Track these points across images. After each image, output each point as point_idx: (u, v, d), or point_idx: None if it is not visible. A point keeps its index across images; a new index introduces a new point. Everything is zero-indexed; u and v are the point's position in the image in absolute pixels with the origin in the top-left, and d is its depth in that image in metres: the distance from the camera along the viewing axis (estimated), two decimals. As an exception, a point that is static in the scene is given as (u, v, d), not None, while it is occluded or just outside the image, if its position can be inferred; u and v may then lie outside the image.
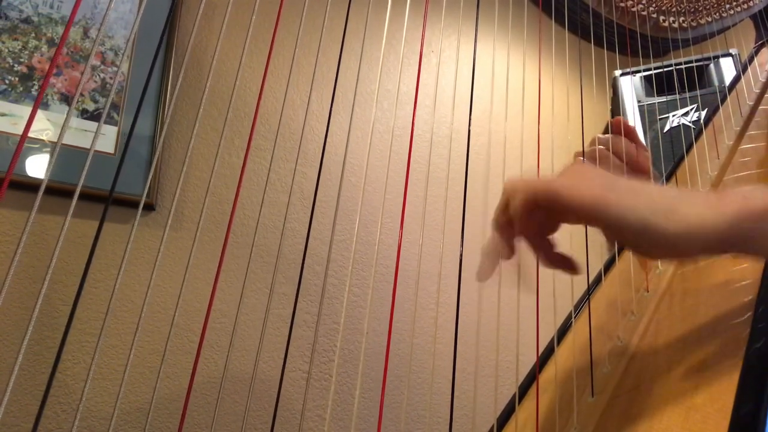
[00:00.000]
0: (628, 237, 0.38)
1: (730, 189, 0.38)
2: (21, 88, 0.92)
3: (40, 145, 0.92)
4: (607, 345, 0.54)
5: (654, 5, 1.19)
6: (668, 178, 0.74)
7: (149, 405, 0.91)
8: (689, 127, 1.42)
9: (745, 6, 1.10)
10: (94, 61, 1.00)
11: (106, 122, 0.98)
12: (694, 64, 1.39)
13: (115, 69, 1.01)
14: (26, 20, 0.96)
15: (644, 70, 1.51)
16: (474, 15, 1.36)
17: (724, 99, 0.97)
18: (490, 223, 0.45)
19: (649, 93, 1.51)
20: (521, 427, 0.50)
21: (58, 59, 0.96)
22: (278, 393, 0.95)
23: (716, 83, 1.43)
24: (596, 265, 0.67)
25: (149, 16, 1.05)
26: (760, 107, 0.90)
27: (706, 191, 0.39)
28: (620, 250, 0.66)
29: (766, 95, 0.94)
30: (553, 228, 0.46)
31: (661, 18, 1.20)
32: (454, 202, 1.10)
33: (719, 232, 0.36)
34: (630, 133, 0.66)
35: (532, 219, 0.42)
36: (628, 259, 0.65)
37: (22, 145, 0.29)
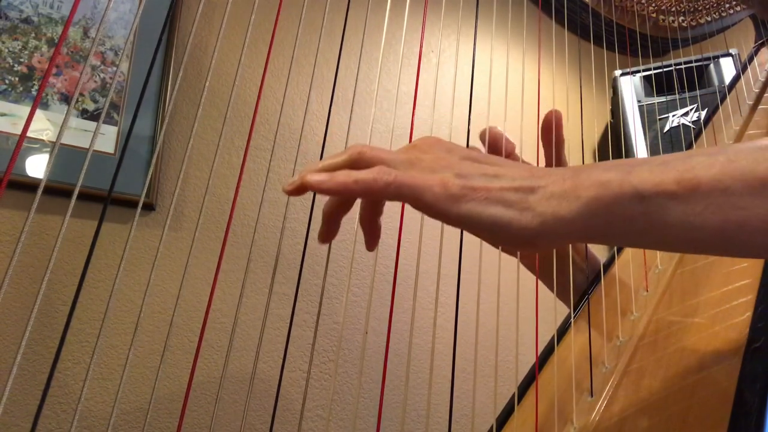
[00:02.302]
0: (479, 233, 0.36)
1: (587, 170, 0.35)
2: (21, 88, 0.92)
3: (40, 145, 0.92)
4: (606, 344, 0.54)
5: (653, 4, 1.19)
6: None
7: (148, 405, 0.91)
8: (689, 127, 1.42)
9: (745, 6, 1.11)
10: (94, 61, 1.00)
11: (106, 122, 0.98)
12: (694, 64, 1.39)
13: (115, 69, 1.01)
14: (26, 20, 0.96)
15: (644, 70, 1.51)
16: (474, 15, 1.36)
17: (723, 99, 0.97)
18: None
19: (648, 93, 1.51)
20: (520, 427, 0.50)
21: (57, 59, 0.96)
22: (277, 392, 0.95)
23: (716, 83, 1.43)
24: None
25: (150, 16, 1.05)
26: (760, 107, 0.90)
27: (564, 170, 0.36)
28: (619, 249, 0.66)
29: (765, 95, 0.93)
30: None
31: (661, 17, 1.20)
32: (453, 202, 1.09)
33: (575, 224, 0.34)
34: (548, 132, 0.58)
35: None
36: (628, 259, 0.65)
37: (21, 144, 0.29)
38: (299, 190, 0.37)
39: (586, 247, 0.63)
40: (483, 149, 0.55)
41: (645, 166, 0.34)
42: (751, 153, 0.33)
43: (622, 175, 0.33)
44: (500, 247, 0.58)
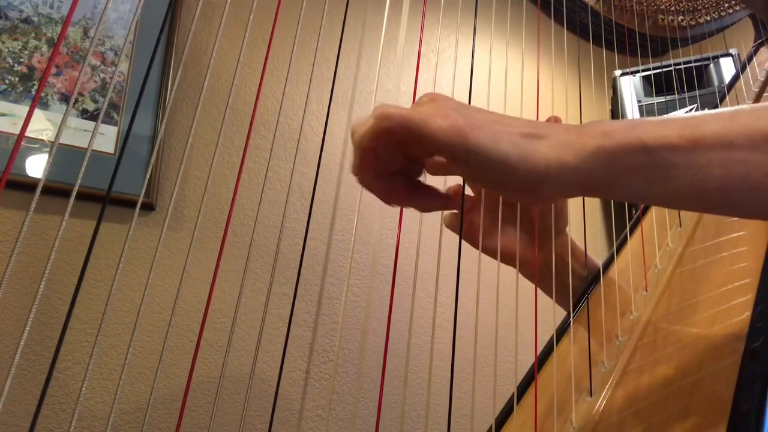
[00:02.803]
0: (485, 173, 0.34)
1: (591, 123, 0.35)
2: (21, 88, 0.92)
3: (40, 145, 0.92)
4: (605, 344, 0.54)
5: (653, 4, 1.19)
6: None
7: (147, 404, 0.91)
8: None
9: (745, 5, 1.10)
10: (94, 60, 1.00)
11: (106, 122, 0.98)
12: (694, 65, 1.39)
13: (114, 69, 1.01)
14: (26, 20, 0.96)
15: (644, 70, 1.51)
16: (473, 14, 1.36)
17: (723, 98, 0.97)
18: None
19: (648, 93, 1.51)
20: (520, 426, 0.50)
21: (57, 59, 0.96)
22: (276, 392, 0.96)
23: (716, 83, 1.43)
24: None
25: (150, 16, 1.05)
26: (759, 106, 0.90)
27: (567, 125, 0.36)
28: (619, 249, 0.66)
29: (765, 94, 0.93)
30: (418, 170, 0.42)
31: (660, 17, 1.20)
32: (453, 202, 1.09)
33: (579, 172, 0.33)
34: None
35: (392, 159, 0.38)
36: (627, 259, 0.65)
37: (19, 144, 0.29)
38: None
39: (586, 254, 0.63)
40: None
41: (649, 121, 0.34)
42: (753, 111, 0.33)
43: (627, 128, 0.34)
44: (500, 258, 0.58)
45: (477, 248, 0.58)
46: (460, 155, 0.34)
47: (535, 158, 0.33)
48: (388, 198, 0.40)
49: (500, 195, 0.40)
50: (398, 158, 0.38)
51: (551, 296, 0.60)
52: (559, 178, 0.34)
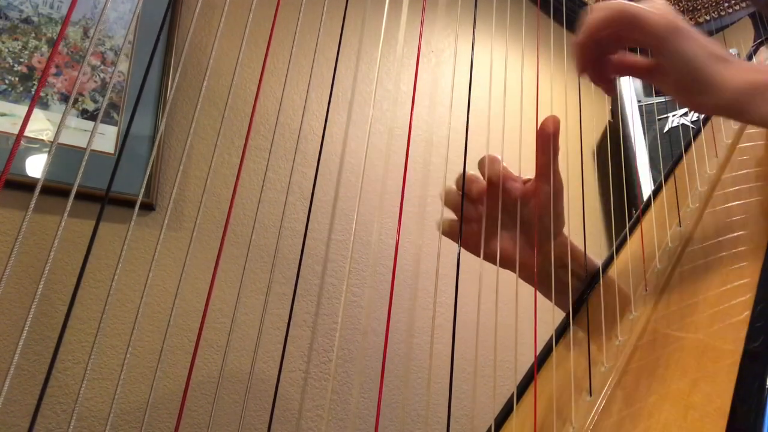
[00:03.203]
0: (678, 72, 0.44)
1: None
2: (21, 88, 0.92)
3: (40, 145, 0.92)
4: (605, 344, 0.54)
5: (653, 4, 1.19)
6: (666, 177, 0.74)
7: (147, 404, 0.91)
8: (689, 126, 1.42)
9: (744, 4, 1.10)
10: (94, 60, 1.00)
11: (106, 122, 0.98)
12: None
13: (113, 69, 1.01)
14: (26, 20, 0.96)
15: (644, 70, 1.51)
16: (472, 14, 1.36)
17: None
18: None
19: (648, 93, 1.51)
20: (519, 426, 0.50)
21: (56, 59, 0.96)
22: (275, 392, 0.96)
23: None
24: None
25: (150, 16, 1.05)
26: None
27: (739, 59, 0.45)
28: (619, 249, 0.66)
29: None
30: (615, 49, 0.52)
31: (660, 17, 1.20)
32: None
33: (736, 95, 0.43)
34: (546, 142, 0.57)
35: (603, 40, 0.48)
36: (627, 258, 0.65)
37: (18, 144, 0.29)
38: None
39: (585, 255, 0.63)
40: (481, 177, 0.57)
41: None
42: None
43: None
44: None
45: (477, 255, 0.58)
46: (666, 49, 0.44)
47: (720, 76, 0.43)
48: (602, 77, 0.53)
49: (674, 93, 0.49)
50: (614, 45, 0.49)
51: (551, 299, 0.60)
52: (725, 96, 0.43)
